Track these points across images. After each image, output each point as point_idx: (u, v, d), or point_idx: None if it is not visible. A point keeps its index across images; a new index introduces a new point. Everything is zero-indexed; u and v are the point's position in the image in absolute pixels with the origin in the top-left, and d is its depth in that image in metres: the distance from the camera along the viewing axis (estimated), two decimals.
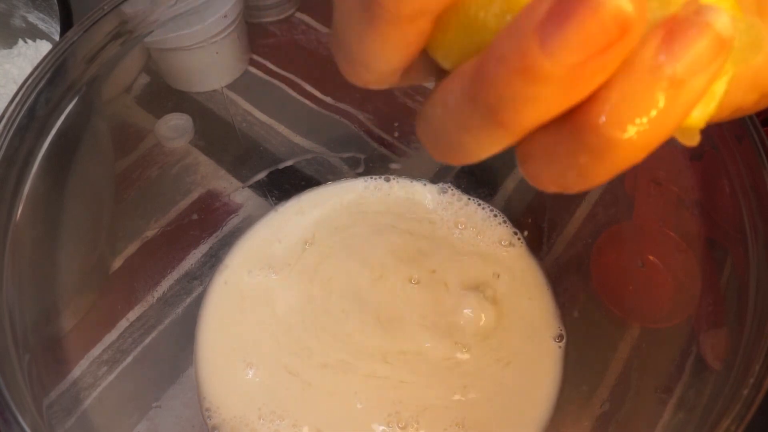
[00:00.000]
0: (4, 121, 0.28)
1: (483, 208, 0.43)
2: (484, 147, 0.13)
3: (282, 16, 0.43)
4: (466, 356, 0.38)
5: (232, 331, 0.39)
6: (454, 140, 0.14)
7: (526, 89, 0.11)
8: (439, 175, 0.45)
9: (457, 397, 0.37)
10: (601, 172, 0.13)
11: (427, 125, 0.14)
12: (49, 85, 0.29)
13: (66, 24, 0.39)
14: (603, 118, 0.12)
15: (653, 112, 0.12)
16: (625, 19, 0.10)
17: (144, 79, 0.39)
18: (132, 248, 0.39)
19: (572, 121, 0.12)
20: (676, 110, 0.12)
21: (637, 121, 0.12)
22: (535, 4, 0.11)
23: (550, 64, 0.11)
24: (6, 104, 0.28)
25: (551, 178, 0.13)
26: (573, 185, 0.13)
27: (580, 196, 0.40)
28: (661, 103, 0.12)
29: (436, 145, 0.14)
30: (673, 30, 0.11)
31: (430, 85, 0.16)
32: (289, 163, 0.45)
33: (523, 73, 0.11)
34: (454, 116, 0.13)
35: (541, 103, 0.12)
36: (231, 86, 0.43)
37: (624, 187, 0.38)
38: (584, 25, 0.10)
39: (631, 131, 0.12)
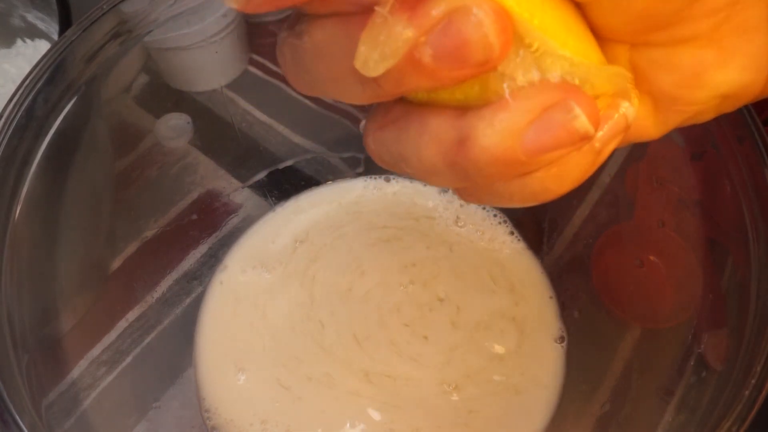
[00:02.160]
0: (2, 120, 0.28)
1: (483, 208, 0.43)
2: (438, 182, 0.17)
3: (282, 16, 0.43)
4: (456, 362, 0.38)
5: (226, 334, 0.39)
6: (423, 178, 0.17)
7: (496, 170, 0.15)
8: None
9: (458, 418, 0.36)
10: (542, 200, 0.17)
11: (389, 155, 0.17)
12: (48, 84, 0.29)
13: (65, 23, 0.38)
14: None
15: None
16: (587, 136, 0.14)
17: (143, 78, 0.38)
18: (131, 248, 0.39)
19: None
20: (597, 163, 0.16)
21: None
22: (516, 106, 0.14)
23: (525, 157, 0.14)
24: (4, 104, 0.28)
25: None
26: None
27: (581, 197, 0.40)
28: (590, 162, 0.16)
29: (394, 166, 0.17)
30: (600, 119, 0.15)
31: None
32: (288, 163, 0.45)
33: (501, 161, 0.15)
34: (427, 164, 0.16)
35: (505, 175, 0.15)
36: (230, 86, 0.43)
37: (624, 187, 0.38)
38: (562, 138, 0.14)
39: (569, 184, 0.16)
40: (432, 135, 0.15)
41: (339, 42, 0.14)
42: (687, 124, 0.18)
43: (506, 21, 0.13)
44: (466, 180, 0.15)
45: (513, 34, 0.14)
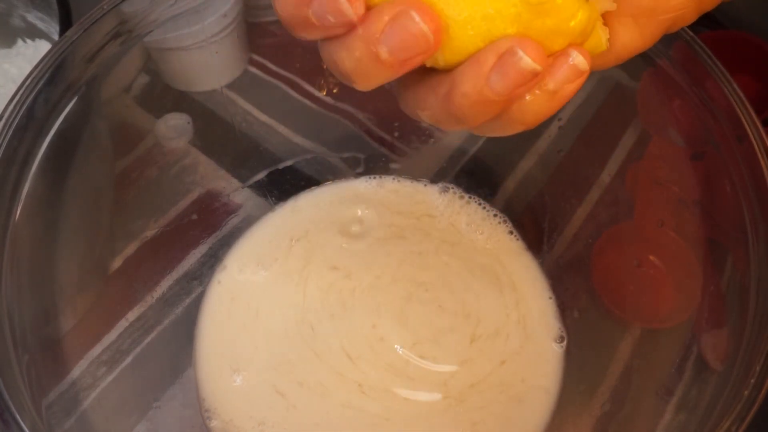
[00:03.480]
0: (3, 120, 0.28)
1: (483, 208, 0.43)
2: (445, 126, 0.21)
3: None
4: (457, 368, 0.37)
5: (222, 335, 0.39)
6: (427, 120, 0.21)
7: (478, 110, 0.19)
8: (439, 174, 0.45)
9: (458, 421, 0.36)
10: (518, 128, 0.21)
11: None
12: (48, 84, 0.29)
13: (65, 23, 0.38)
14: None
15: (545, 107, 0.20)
16: (535, 72, 0.18)
17: (143, 78, 0.38)
18: (131, 248, 0.39)
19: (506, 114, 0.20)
20: (557, 102, 0.19)
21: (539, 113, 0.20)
22: (481, 59, 0.18)
23: (494, 96, 0.18)
24: (5, 104, 0.28)
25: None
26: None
27: (581, 197, 0.40)
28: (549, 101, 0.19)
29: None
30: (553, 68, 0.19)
31: None
32: (288, 163, 0.45)
33: (479, 102, 0.19)
34: (432, 112, 0.20)
35: (487, 114, 0.19)
36: (231, 86, 0.43)
37: (624, 187, 0.38)
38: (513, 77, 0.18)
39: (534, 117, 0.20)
40: (431, 89, 0.20)
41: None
42: (672, 30, 0.21)
43: (433, 15, 0.18)
44: (461, 123, 0.20)
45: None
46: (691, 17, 0.21)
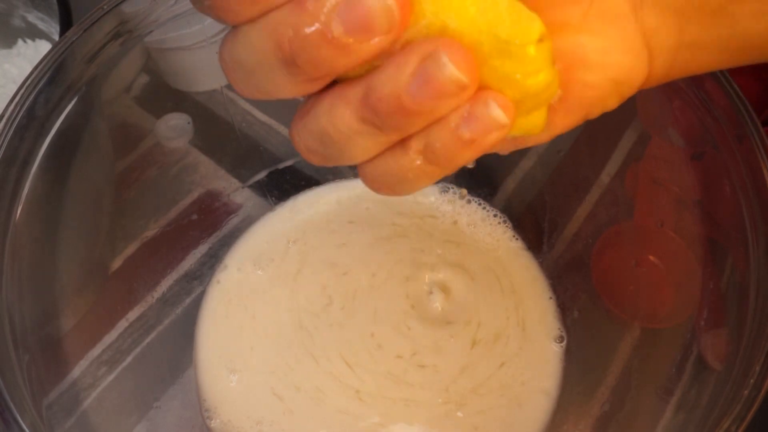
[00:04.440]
0: (3, 120, 0.28)
1: (483, 208, 0.43)
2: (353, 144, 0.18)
3: None
4: (458, 374, 0.37)
5: (220, 335, 0.39)
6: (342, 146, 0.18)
7: (398, 120, 0.16)
8: None
9: (454, 414, 0.36)
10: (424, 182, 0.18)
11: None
12: (49, 84, 0.29)
13: (65, 24, 0.38)
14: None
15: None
16: (460, 84, 0.15)
17: (144, 78, 0.39)
18: (132, 248, 0.39)
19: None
20: (473, 152, 0.17)
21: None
22: (401, 61, 0.16)
23: (414, 105, 0.16)
24: (6, 104, 0.28)
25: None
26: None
27: (581, 197, 0.40)
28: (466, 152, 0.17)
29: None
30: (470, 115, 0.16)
31: None
32: (289, 163, 0.45)
33: (398, 110, 0.16)
34: (342, 124, 0.17)
35: (409, 124, 0.17)
36: (231, 86, 0.43)
37: (624, 187, 0.38)
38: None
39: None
40: (342, 97, 0.17)
41: (267, 37, 0.16)
42: (592, 115, 0.20)
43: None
44: (380, 132, 0.17)
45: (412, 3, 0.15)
46: (612, 102, 0.20)
